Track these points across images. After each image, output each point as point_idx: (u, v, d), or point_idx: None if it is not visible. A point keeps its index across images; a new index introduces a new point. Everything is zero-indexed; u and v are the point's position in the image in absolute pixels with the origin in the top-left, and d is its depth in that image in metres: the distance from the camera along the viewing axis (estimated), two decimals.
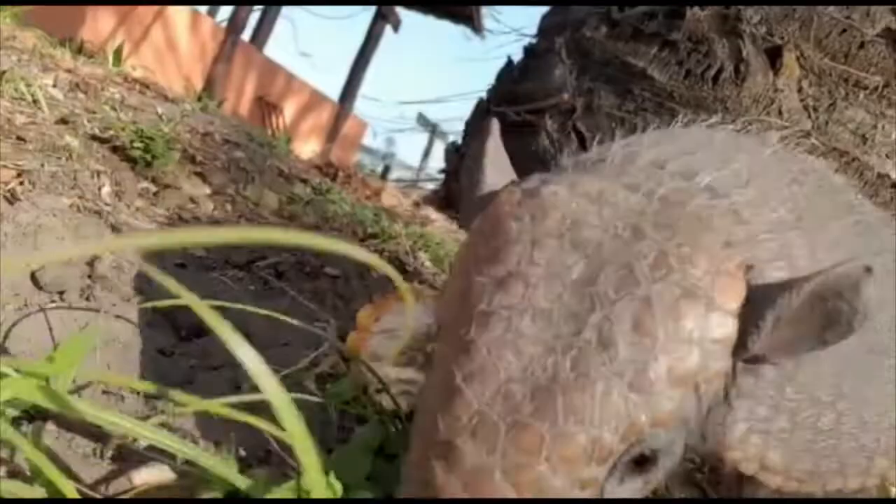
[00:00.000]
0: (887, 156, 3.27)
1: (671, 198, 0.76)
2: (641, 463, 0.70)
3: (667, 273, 0.68)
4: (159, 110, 2.39)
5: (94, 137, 1.84)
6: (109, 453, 0.80)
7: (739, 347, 0.71)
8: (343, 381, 1.06)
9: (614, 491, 0.69)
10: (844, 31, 2.86)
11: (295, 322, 1.04)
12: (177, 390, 0.88)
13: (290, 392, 1.04)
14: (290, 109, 9.52)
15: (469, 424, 0.65)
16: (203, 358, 1.14)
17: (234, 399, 0.83)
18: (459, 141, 4.42)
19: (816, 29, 2.88)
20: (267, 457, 0.90)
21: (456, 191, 3.83)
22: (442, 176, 4.71)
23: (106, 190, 1.49)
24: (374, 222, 2.41)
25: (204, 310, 0.63)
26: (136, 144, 1.75)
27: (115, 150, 1.81)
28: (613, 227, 0.72)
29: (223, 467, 0.77)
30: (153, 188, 1.73)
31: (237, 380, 1.07)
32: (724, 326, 0.69)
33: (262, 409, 0.73)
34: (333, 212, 2.35)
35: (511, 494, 0.63)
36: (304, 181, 2.67)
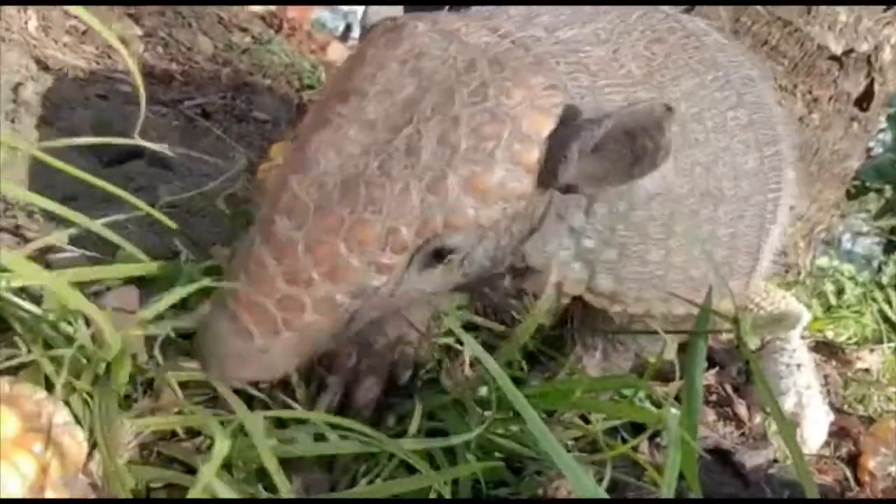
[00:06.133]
0: (829, 27, 3.33)
1: (521, 42, 0.82)
2: (438, 256, 0.80)
3: (481, 100, 0.76)
4: None
5: None
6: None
7: (551, 177, 0.79)
8: (252, 203, 1.18)
9: (412, 279, 0.79)
10: None
11: (201, 155, 1.12)
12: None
13: (203, 210, 1.17)
14: None
15: (286, 205, 0.75)
16: (126, 182, 1.24)
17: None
18: None
19: None
20: (174, 256, 1.02)
21: None
22: None
23: (32, 24, 1.53)
24: (311, 74, 2.46)
25: None
26: None
27: None
28: (453, 59, 0.79)
29: (132, 255, 0.90)
30: (82, 27, 1.75)
31: (156, 201, 1.18)
32: (527, 152, 0.77)
33: None
34: (270, 61, 2.38)
35: (311, 264, 0.74)
36: (245, 30, 2.67)
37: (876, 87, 2.12)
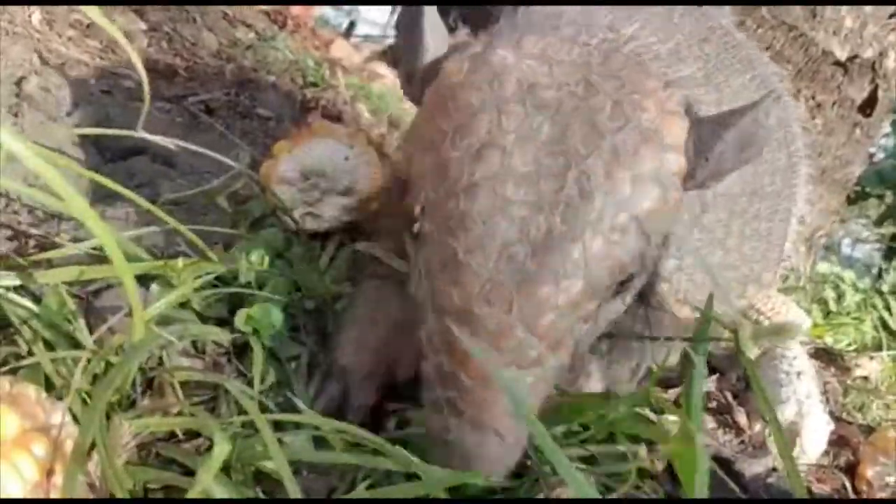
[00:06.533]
0: (834, 32, 3.33)
1: (607, 46, 0.82)
2: (623, 285, 0.80)
3: (625, 122, 0.75)
4: None
5: None
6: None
7: (689, 177, 0.79)
8: (254, 202, 1.18)
9: (600, 314, 0.79)
10: None
11: (204, 151, 1.11)
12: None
13: (206, 207, 1.16)
14: None
15: (482, 292, 0.70)
16: (128, 178, 1.24)
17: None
18: None
19: None
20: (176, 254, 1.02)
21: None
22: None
23: (36, 17, 1.52)
24: (315, 71, 2.45)
25: None
26: None
27: None
28: (566, 84, 0.77)
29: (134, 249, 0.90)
30: (86, 21, 1.74)
31: (158, 198, 1.18)
32: (677, 162, 0.78)
33: None
34: (274, 58, 2.37)
35: (535, 343, 0.71)
36: (249, 26, 2.66)
37: (880, 93, 2.12)
